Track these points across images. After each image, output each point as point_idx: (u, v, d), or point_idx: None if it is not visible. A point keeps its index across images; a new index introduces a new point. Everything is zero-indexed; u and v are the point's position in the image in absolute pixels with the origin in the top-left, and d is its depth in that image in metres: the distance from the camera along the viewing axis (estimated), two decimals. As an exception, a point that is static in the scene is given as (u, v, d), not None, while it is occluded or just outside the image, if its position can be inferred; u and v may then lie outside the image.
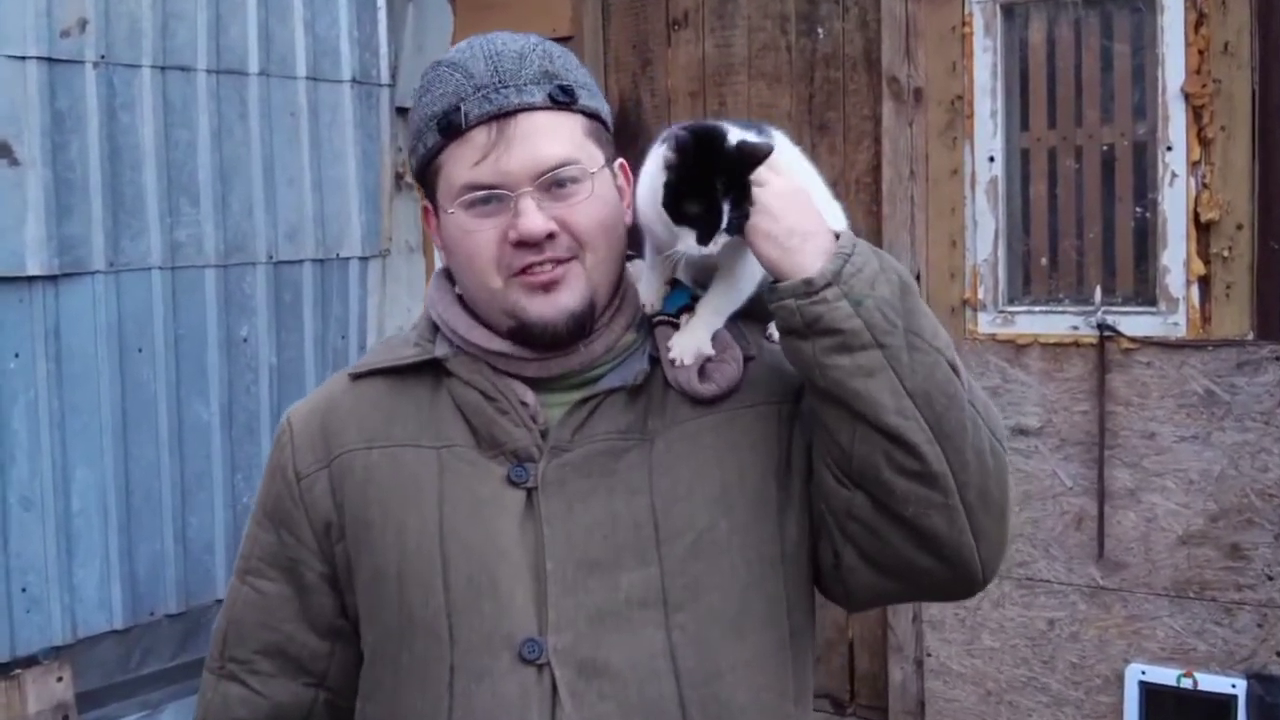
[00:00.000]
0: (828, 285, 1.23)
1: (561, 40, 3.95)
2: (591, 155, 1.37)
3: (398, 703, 1.35)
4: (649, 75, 3.97)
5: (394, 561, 1.36)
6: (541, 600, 1.31)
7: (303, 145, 3.81)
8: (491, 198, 1.33)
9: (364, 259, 4.02)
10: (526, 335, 1.36)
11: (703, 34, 3.88)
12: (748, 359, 1.40)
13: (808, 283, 1.23)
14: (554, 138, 1.34)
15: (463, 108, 1.33)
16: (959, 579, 1.33)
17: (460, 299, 1.43)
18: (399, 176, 4.15)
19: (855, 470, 1.27)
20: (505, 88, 1.33)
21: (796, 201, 1.29)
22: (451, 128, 1.34)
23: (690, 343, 1.39)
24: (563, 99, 1.35)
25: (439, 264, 1.49)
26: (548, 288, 1.34)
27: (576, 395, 1.38)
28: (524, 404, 1.37)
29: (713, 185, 1.28)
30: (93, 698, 3.37)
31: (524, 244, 1.32)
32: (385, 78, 4.07)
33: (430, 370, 1.42)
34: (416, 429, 1.40)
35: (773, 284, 1.27)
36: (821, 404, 1.28)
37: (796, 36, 3.76)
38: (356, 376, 1.45)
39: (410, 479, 1.37)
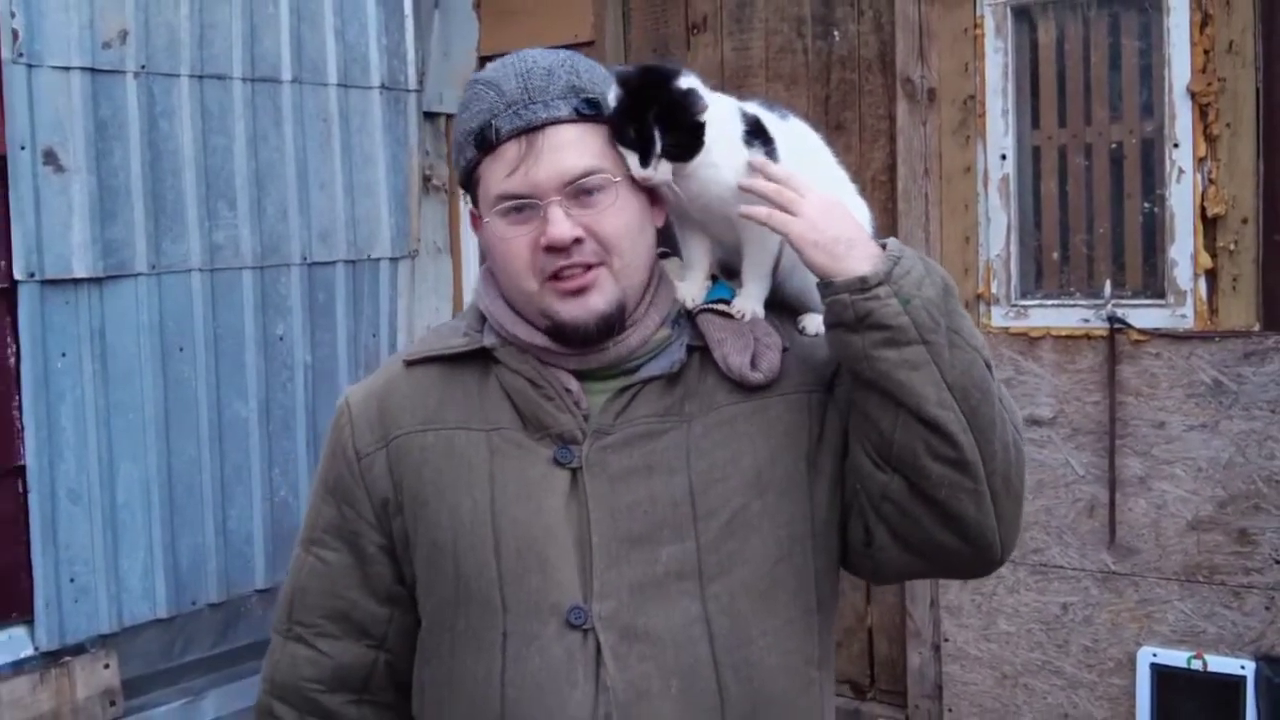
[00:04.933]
0: (880, 284, 1.33)
1: (583, 45, 4.05)
2: (616, 164, 1.45)
3: (454, 665, 1.45)
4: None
5: (449, 537, 1.46)
6: (586, 572, 1.41)
7: (334, 150, 3.88)
8: (523, 206, 1.43)
9: (394, 260, 4.10)
10: (561, 334, 1.46)
11: (721, 37, 3.95)
12: (784, 349, 1.50)
13: (862, 280, 1.34)
14: (580, 149, 1.43)
15: (495, 123, 1.43)
16: (979, 558, 1.44)
17: (503, 296, 1.53)
18: (426, 179, 4.24)
19: (895, 455, 1.38)
20: (534, 103, 1.43)
21: (834, 213, 1.40)
22: (485, 142, 1.44)
23: (749, 303, 1.51)
24: (588, 112, 1.44)
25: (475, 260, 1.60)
26: (579, 292, 1.43)
27: (617, 383, 1.48)
28: (568, 390, 1.47)
29: (645, 116, 1.42)
30: (137, 685, 3.45)
31: (553, 249, 1.41)
32: (413, 84, 4.14)
33: (479, 358, 1.52)
34: (467, 413, 1.50)
35: (828, 281, 1.37)
36: (866, 393, 1.38)
37: (813, 39, 3.83)
38: (411, 363, 1.55)
39: (463, 460, 1.48)
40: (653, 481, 1.44)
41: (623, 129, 1.44)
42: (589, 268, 1.43)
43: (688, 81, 1.46)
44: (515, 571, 1.42)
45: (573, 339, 1.45)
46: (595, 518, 1.43)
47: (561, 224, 1.41)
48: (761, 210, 1.43)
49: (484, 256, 1.56)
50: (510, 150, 1.42)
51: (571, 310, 1.43)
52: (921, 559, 1.46)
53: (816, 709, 1.48)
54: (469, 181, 1.50)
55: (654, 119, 1.42)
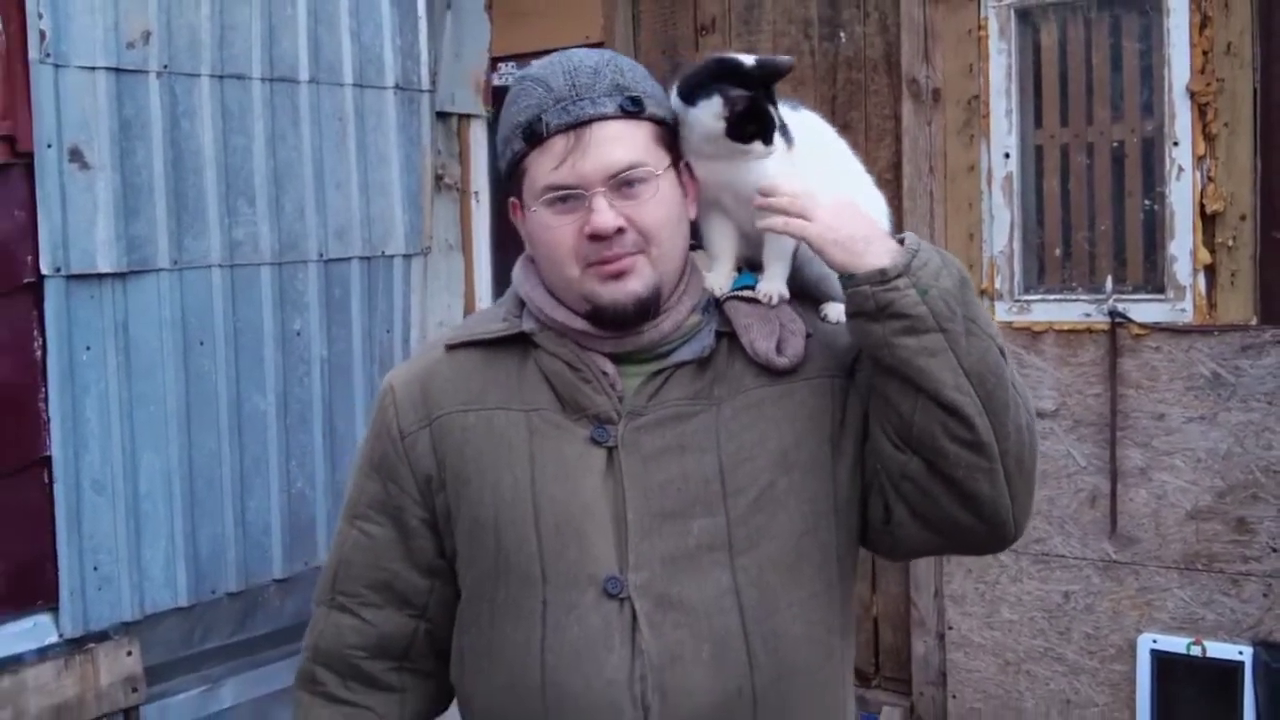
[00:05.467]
0: (899, 275, 1.41)
1: (593, 46, 4.12)
2: (658, 159, 1.53)
3: (494, 633, 1.52)
4: (678, 79, 4.12)
5: (490, 513, 1.53)
6: (622, 545, 1.48)
7: (350, 149, 3.92)
8: (569, 197, 1.50)
9: (407, 256, 4.14)
10: (600, 317, 1.53)
11: (729, 38, 4.03)
12: (807, 336, 1.58)
13: (882, 272, 1.41)
14: (624, 144, 1.51)
15: (544, 118, 1.51)
16: (993, 535, 1.51)
17: (543, 283, 1.61)
18: (438, 178, 4.31)
19: (914, 437, 1.45)
20: (581, 100, 1.50)
21: (847, 213, 1.48)
22: (534, 136, 1.51)
23: (774, 284, 1.60)
24: (632, 109, 1.52)
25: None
26: (618, 276, 1.51)
27: (650, 367, 1.56)
28: (604, 374, 1.55)
29: (768, 101, 1.54)
30: (158, 672, 3.48)
31: (597, 237, 1.49)
32: (426, 84, 4.19)
33: (518, 343, 1.59)
34: (507, 394, 1.57)
35: (848, 275, 1.44)
36: (886, 379, 1.45)
37: (819, 40, 3.91)
38: (452, 347, 1.63)
39: (503, 439, 1.55)
40: (685, 460, 1.52)
41: (747, 114, 1.52)
42: (628, 255, 1.50)
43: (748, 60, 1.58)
44: (554, 545, 1.50)
45: (611, 322, 1.53)
46: (630, 494, 1.50)
47: (605, 214, 1.48)
48: (778, 220, 1.50)
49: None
50: (558, 144, 1.50)
51: (611, 293, 1.51)
52: (938, 535, 1.53)
53: (838, 676, 1.55)
54: (513, 173, 1.57)
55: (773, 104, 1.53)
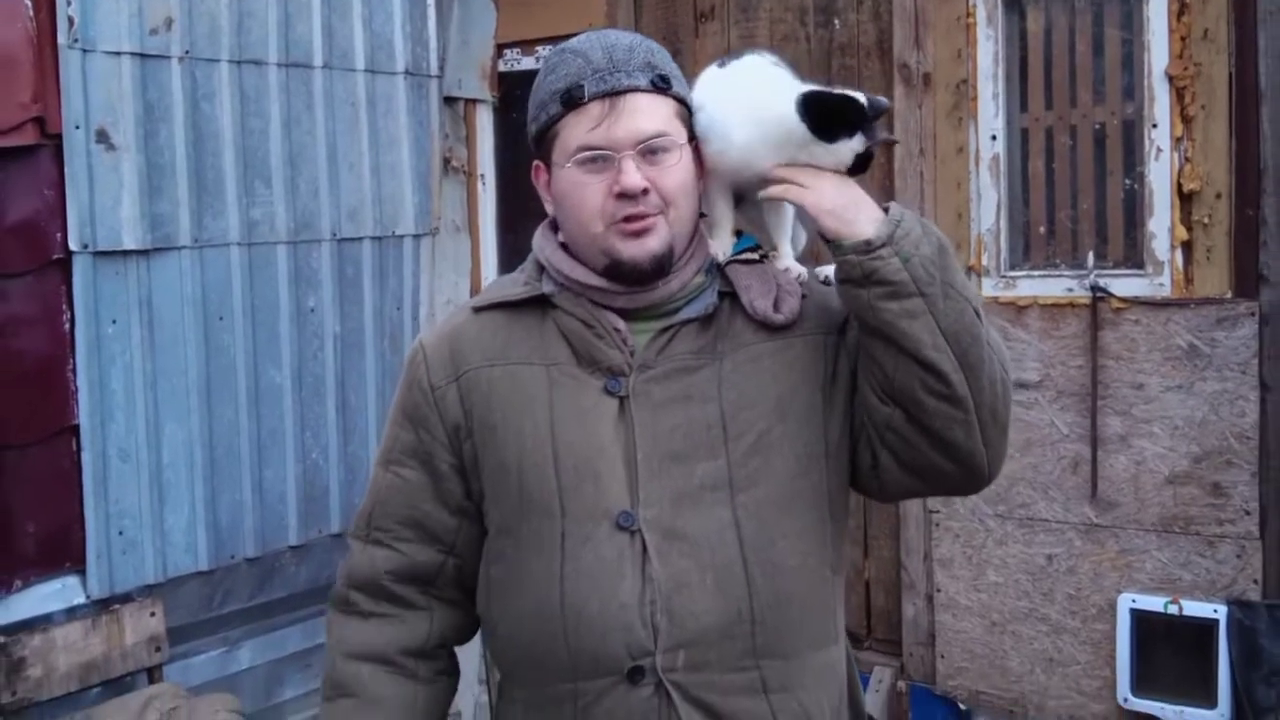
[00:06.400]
0: (883, 245, 1.54)
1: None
2: (679, 131, 1.68)
3: (519, 563, 1.68)
4: (678, 64, 4.20)
5: (514, 456, 1.68)
6: (633, 484, 1.63)
7: (362, 132, 4.05)
8: (600, 158, 1.64)
9: (416, 236, 4.27)
10: (618, 272, 1.67)
11: (728, 25, 4.14)
12: (802, 296, 1.73)
13: (867, 243, 1.55)
14: (652, 115, 1.66)
15: (584, 84, 1.65)
16: (970, 478, 1.65)
17: (563, 246, 1.75)
18: (446, 161, 4.43)
19: (896, 391, 1.59)
20: (617, 72, 1.65)
21: (842, 186, 1.63)
22: (572, 100, 1.66)
23: (794, 264, 1.77)
24: (661, 85, 1.67)
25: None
26: (639, 234, 1.65)
27: (659, 324, 1.70)
28: (616, 330, 1.69)
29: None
30: (180, 633, 3.61)
31: (624, 196, 1.63)
32: (434, 70, 4.31)
33: (538, 304, 1.74)
34: (528, 350, 1.72)
35: (837, 243, 1.58)
36: (871, 339, 1.59)
37: (815, 27, 4.02)
38: (478, 309, 1.78)
39: (525, 391, 1.70)
40: (689, 408, 1.66)
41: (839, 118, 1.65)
42: (650, 215, 1.65)
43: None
44: (572, 483, 1.64)
45: (628, 277, 1.67)
46: (640, 439, 1.65)
47: (633, 174, 1.62)
48: (778, 188, 1.66)
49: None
50: (595, 109, 1.64)
51: (632, 250, 1.65)
52: (920, 479, 1.68)
53: (830, 604, 1.71)
54: (544, 136, 1.70)
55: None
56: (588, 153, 1.65)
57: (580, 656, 1.62)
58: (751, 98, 1.70)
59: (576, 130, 1.66)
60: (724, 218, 1.79)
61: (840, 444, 1.71)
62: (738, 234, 1.79)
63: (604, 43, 1.69)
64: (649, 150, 1.65)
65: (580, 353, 1.70)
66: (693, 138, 1.72)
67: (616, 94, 1.64)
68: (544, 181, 1.75)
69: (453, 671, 1.88)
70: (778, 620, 1.63)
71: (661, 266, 1.68)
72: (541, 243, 1.78)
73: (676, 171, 1.67)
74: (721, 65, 1.77)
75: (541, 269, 1.77)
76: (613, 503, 1.63)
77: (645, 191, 1.64)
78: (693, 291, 1.73)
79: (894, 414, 1.61)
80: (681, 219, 1.69)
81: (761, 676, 1.63)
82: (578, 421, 1.67)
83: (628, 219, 1.65)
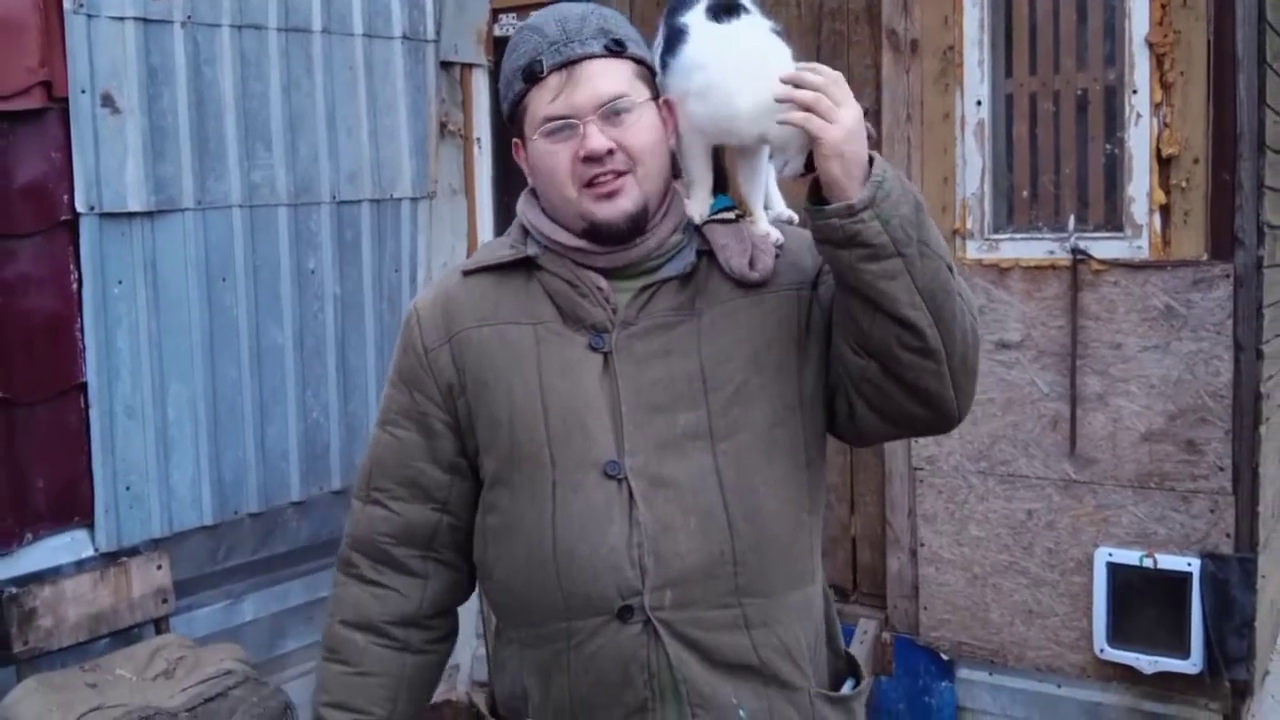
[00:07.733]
0: (865, 208, 1.59)
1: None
2: (639, 91, 1.75)
3: (513, 511, 1.77)
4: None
5: (505, 411, 1.77)
6: (618, 434, 1.72)
7: (360, 97, 4.11)
8: (565, 126, 1.72)
9: (414, 200, 4.33)
10: (596, 234, 1.75)
11: (719, -9, 4.21)
12: (776, 255, 1.81)
13: (849, 208, 1.59)
14: (610, 78, 1.73)
15: (543, 59, 1.73)
16: (941, 421, 1.74)
17: (544, 211, 1.84)
18: (443, 125, 4.50)
19: (871, 346, 1.66)
20: (571, 42, 1.73)
21: (860, 132, 1.62)
22: (532, 75, 1.74)
23: (773, 229, 1.82)
24: (615, 49, 1.74)
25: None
26: (610, 195, 1.73)
27: (640, 283, 1.78)
28: (599, 289, 1.77)
29: None
30: (185, 586, 3.71)
31: (590, 159, 1.71)
32: (431, 35, 4.36)
33: (524, 266, 1.82)
34: (516, 310, 1.81)
35: (819, 207, 1.62)
36: (849, 297, 1.66)
37: (804, -6, 4.10)
38: (467, 273, 1.86)
39: (514, 349, 1.78)
40: (670, 362, 1.75)
41: None
42: (618, 175, 1.73)
43: None
44: (561, 434, 1.74)
45: (606, 237, 1.75)
46: (624, 392, 1.73)
47: (597, 138, 1.70)
48: (799, 114, 1.60)
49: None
50: (553, 80, 1.72)
51: (605, 211, 1.73)
52: (895, 425, 1.77)
53: (807, 545, 1.80)
54: (515, 112, 1.79)
55: None
56: (552, 123, 1.73)
57: (573, 597, 1.72)
58: (762, 67, 1.70)
59: (540, 103, 1.74)
60: (702, 178, 1.86)
61: (815, 393, 1.80)
62: (714, 194, 1.87)
63: (557, 15, 1.76)
64: (611, 112, 1.72)
65: (565, 311, 1.78)
66: (656, 95, 1.79)
67: (572, 63, 1.72)
68: (523, 156, 1.83)
69: (448, 635, 1.96)
70: (758, 560, 1.72)
71: (637, 224, 1.75)
72: (525, 208, 1.86)
73: (640, 130, 1.74)
74: (716, 19, 1.77)
75: (526, 233, 1.85)
76: (600, 452, 1.72)
77: (611, 152, 1.71)
78: (671, 250, 1.81)
79: (869, 366, 1.68)
80: (650, 175, 1.76)
81: (743, 613, 1.73)
82: (565, 376, 1.76)
83: (598, 181, 1.72)
